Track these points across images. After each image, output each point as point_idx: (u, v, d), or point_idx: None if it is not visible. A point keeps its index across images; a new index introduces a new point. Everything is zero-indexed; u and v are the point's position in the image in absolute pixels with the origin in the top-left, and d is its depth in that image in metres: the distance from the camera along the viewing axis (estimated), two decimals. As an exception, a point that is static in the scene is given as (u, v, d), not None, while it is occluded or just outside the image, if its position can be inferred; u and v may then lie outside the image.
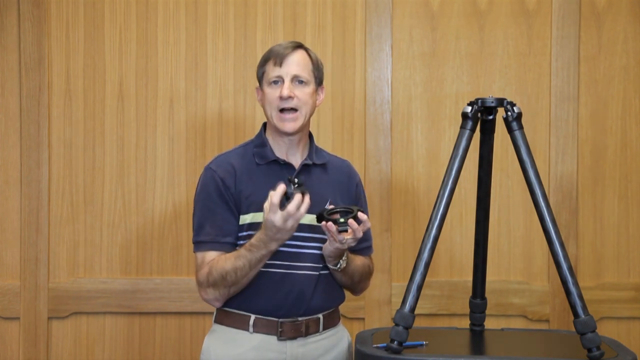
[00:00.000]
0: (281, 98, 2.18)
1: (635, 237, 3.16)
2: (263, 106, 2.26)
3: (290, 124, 2.20)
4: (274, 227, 2.02)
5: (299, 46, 2.24)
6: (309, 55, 2.25)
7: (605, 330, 3.08)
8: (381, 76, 3.13)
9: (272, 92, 2.20)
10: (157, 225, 3.12)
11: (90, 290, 3.10)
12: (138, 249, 3.12)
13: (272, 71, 2.21)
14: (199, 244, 2.21)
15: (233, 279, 2.13)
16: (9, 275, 3.11)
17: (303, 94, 2.20)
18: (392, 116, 3.13)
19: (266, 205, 2.02)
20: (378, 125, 3.12)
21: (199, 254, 2.21)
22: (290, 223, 2.01)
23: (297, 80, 2.20)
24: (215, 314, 2.28)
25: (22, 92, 3.09)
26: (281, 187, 2.00)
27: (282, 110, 2.20)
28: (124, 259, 3.12)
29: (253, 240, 2.10)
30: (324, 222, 2.06)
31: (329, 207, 2.12)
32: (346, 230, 2.06)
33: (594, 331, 1.94)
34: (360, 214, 2.08)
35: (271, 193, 2.01)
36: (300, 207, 2.00)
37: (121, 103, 3.12)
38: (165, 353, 3.12)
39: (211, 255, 2.18)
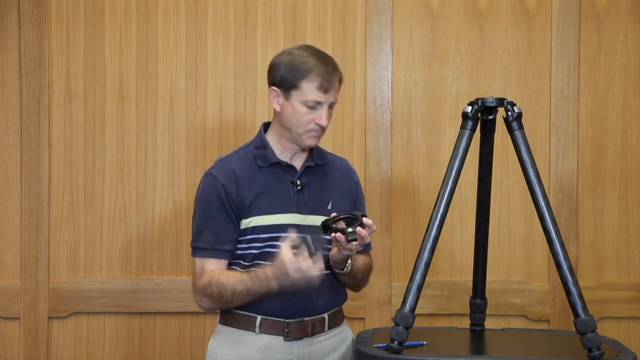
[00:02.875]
0: (321, 127, 2.16)
1: (635, 237, 3.16)
2: (286, 117, 2.18)
3: (315, 140, 2.19)
4: (283, 268, 2.03)
5: (337, 68, 2.18)
6: (341, 76, 2.22)
7: (605, 330, 3.08)
8: (381, 76, 3.13)
9: (306, 115, 2.15)
10: (157, 225, 3.12)
11: (90, 290, 3.10)
12: (138, 249, 3.12)
13: (314, 95, 2.13)
14: (197, 250, 2.21)
15: (229, 299, 2.14)
16: (9, 275, 3.11)
17: (330, 115, 2.19)
18: (392, 116, 3.13)
19: (284, 248, 2.03)
20: (378, 125, 3.12)
21: (198, 260, 2.20)
22: (297, 274, 2.02)
23: (331, 105, 2.18)
24: (220, 315, 2.27)
25: (22, 92, 3.09)
26: (291, 238, 2.03)
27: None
28: (124, 259, 3.12)
29: (259, 271, 2.11)
30: (332, 234, 2.07)
31: (332, 214, 2.12)
32: (355, 239, 2.07)
33: (594, 331, 1.94)
34: (365, 220, 2.08)
35: (283, 246, 2.03)
36: (309, 266, 2.02)
37: (121, 103, 3.12)
38: (165, 353, 3.12)
39: (211, 263, 2.18)
